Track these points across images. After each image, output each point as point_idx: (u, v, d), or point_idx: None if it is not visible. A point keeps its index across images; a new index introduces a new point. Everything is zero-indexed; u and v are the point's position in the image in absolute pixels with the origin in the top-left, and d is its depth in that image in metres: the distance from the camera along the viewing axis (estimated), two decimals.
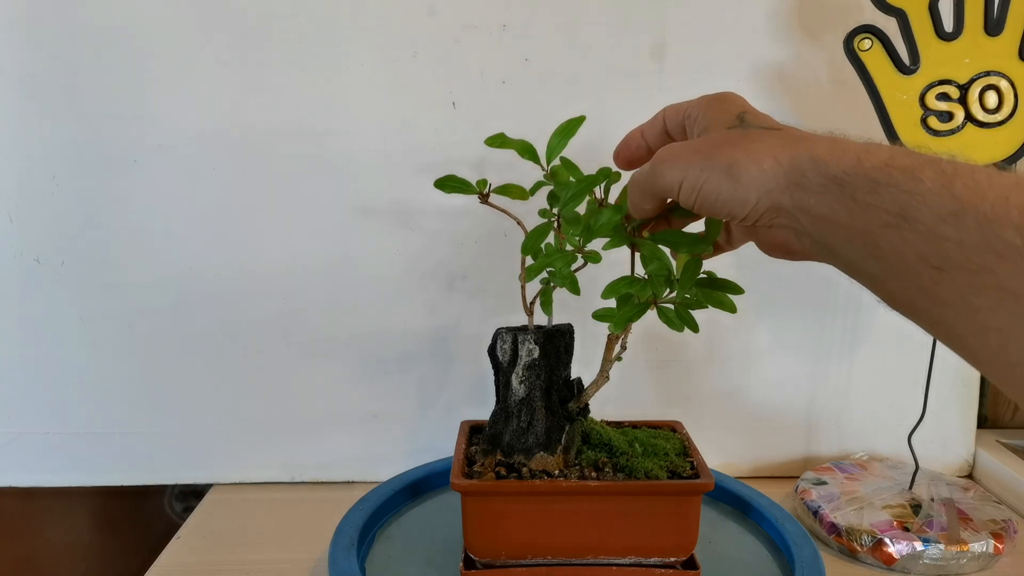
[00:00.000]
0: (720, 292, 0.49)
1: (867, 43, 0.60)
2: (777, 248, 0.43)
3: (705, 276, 0.49)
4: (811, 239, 0.37)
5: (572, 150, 0.53)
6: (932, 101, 0.61)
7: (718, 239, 0.50)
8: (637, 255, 0.50)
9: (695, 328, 0.49)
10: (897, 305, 0.35)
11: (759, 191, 0.37)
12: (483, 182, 0.53)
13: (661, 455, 0.55)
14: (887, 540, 0.63)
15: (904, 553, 0.62)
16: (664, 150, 0.42)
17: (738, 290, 0.49)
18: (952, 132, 0.61)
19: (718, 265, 0.51)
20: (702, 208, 0.41)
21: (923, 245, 0.31)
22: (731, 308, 0.49)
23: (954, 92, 0.61)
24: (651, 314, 0.49)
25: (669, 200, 0.47)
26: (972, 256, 0.29)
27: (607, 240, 0.49)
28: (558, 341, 0.55)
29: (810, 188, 0.35)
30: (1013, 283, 0.28)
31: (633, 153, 0.51)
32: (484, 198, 0.53)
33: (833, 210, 0.34)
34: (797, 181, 0.36)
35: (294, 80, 0.70)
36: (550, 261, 0.50)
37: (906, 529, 0.64)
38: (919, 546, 0.62)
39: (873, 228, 0.33)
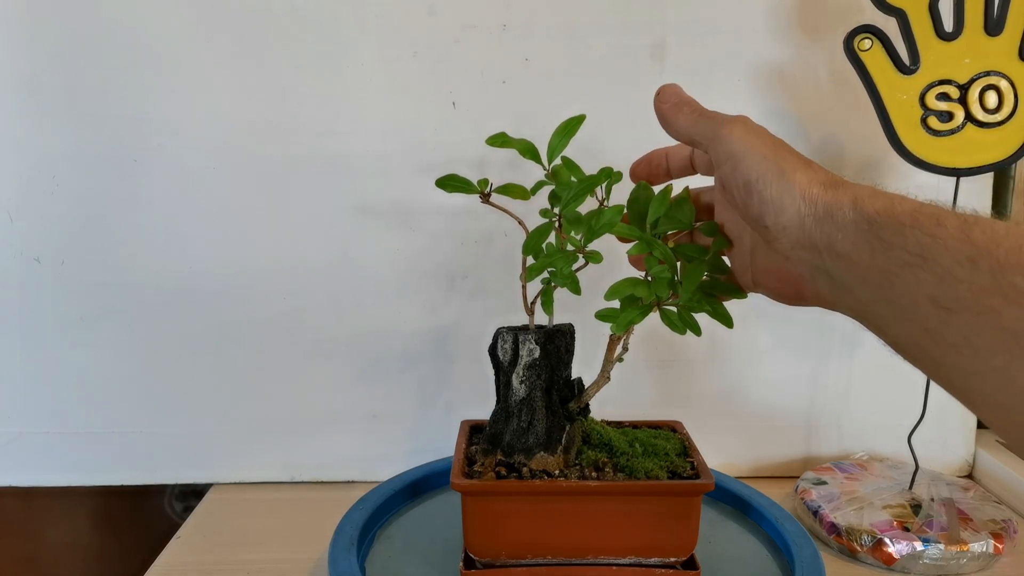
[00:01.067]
0: (722, 295, 0.49)
1: (867, 43, 0.60)
2: (788, 286, 0.44)
3: (708, 280, 0.49)
4: (827, 277, 0.38)
5: (573, 150, 0.53)
6: (932, 101, 0.61)
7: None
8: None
9: (697, 331, 0.49)
10: (901, 348, 0.36)
11: (797, 210, 0.38)
12: (484, 182, 0.53)
13: (661, 455, 0.55)
14: (887, 540, 0.63)
15: (904, 553, 0.62)
16: (747, 120, 0.43)
17: (740, 295, 0.49)
18: (952, 132, 0.61)
19: None
20: (737, 191, 0.41)
21: (936, 286, 0.32)
22: (728, 323, 0.49)
23: (954, 92, 0.61)
24: (652, 314, 0.49)
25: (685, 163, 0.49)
26: (981, 298, 0.31)
27: (632, 244, 0.50)
28: (559, 341, 0.55)
29: (842, 223, 0.37)
30: (1017, 324, 0.30)
31: (652, 171, 0.52)
32: (485, 198, 0.53)
33: (857, 248, 0.36)
34: (832, 215, 0.37)
35: (294, 80, 0.70)
36: (551, 261, 0.50)
37: (906, 529, 0.64)
38: (919, 546, 0.62)
39: (891, 268, 0.34)
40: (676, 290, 0.49)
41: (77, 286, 0.72)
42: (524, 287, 0.55)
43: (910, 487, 0.70)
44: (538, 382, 0.54)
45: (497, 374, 0.57)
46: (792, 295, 0.45)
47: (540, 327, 0.56)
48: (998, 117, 0.61)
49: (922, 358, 0.35)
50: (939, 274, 0.32)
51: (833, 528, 0.65)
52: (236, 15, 0.68)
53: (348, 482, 0.77)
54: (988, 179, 0.75)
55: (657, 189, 0.51)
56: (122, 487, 0.77)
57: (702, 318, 0.49)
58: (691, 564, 0.54)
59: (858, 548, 0.64)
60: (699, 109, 0.46)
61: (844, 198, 0.37)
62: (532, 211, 0.53)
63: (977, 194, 0.75)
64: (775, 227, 0.39)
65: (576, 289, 0.50)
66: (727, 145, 0.42)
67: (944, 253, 0.32)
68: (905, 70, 0.61)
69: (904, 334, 0.35)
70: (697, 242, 0.52)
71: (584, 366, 0.59)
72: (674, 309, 0.49)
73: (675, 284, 0.49)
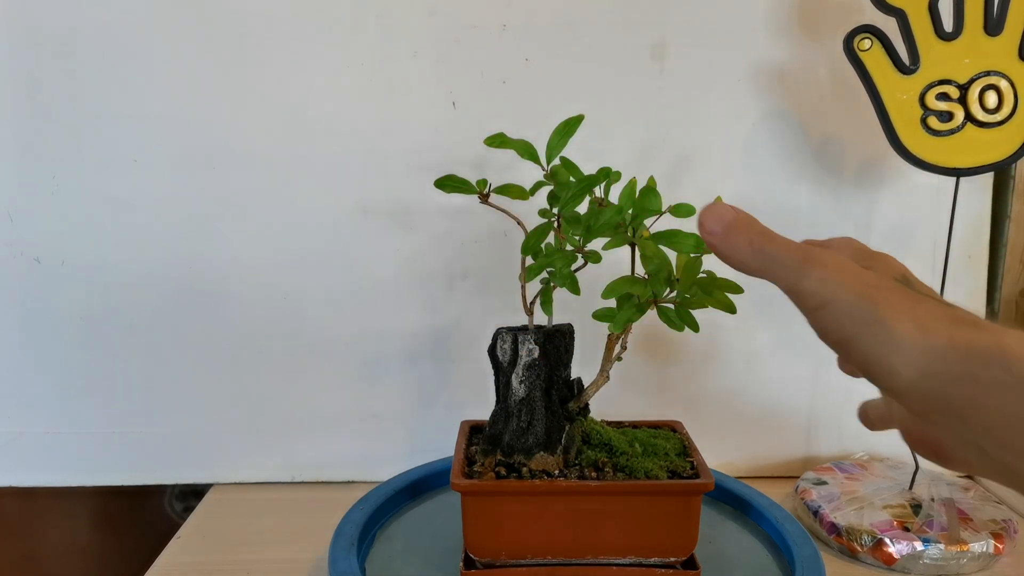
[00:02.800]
0: (720, 292, 0.49)
1: (867, 43, 0.60)
2: (926, 447, 0.34)
3: (705, 275, 0.49)
4: (979, 450, 0.29)
5: (571, 150, 0.52)
6: (932, 101, 0.61)
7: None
8: (637, 255, 0.50)
9: (695, 327, 0.49)
10: None
11: (915, 366, 0.29)
12: (483, 182, 0.53)
13: (661, 455, 0.55)
14: (887, 540, 0.63)
15: (904, 553, 0.62)
16: (832, 257, 0.33)
17: (737, 289, 0.49)
18: (952, 132, 0.61)
19: (717, 264, 0.51)
20: (837, 345, 0.33)
21: None
22: (731, 309, 0.49)
23: (954, 92, 0.61)
24: (651, 314, 0.49)
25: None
26: None
27: (607, 240, 0.49)
28: (558, 341, 0.55)
29: (992, 384, 0.28)
30: None
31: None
32: (484, 198, 0.53)
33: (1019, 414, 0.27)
34: (973, 372, 0.28)
35: (294, 80, 0.70)
36: (550, 261, 0.50)
37: (906, 529, 0.64)
38: (919, 546, 0.62)
39: None
40: (673, 287, 0.49)
41: (77, 286, 0.72)
42: (523, 287, 0.55)
43: (910, 487, 0.70)
44: (538, 382, 0.54)
45: (497, 374, 0.57)
46: (932, 454, 0.35)
47: (539, 327, 0.56)
48: (998, 117, 0.61)
49: None
50: None
51: (833, 528, 0.65)
52: (237, 15, 0.68)
53: (348, 482, 0.77)
54: (988, 179, 0.75)
55: None
56: (122, 487, 0.77)
57: (701, 317, 0.49)
58: (691, 564, 0.54)
59: (858, 548, 0.64)
60: (758, 238, 0.35)
61: (985, 348, 0.28)
62: (531, 211, 0.53)
63: (977, 194, 0.75)
64: (892, 392, 0.31)
65: (575, 289, 0.50)
66: (807, 285, 0.32)
67: None
68: (905, 70, 0.61)
69: None
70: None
71: (584, 366, 0.59)
72: (671, 306, 0.49)
73: (672, 281, 0.49)
